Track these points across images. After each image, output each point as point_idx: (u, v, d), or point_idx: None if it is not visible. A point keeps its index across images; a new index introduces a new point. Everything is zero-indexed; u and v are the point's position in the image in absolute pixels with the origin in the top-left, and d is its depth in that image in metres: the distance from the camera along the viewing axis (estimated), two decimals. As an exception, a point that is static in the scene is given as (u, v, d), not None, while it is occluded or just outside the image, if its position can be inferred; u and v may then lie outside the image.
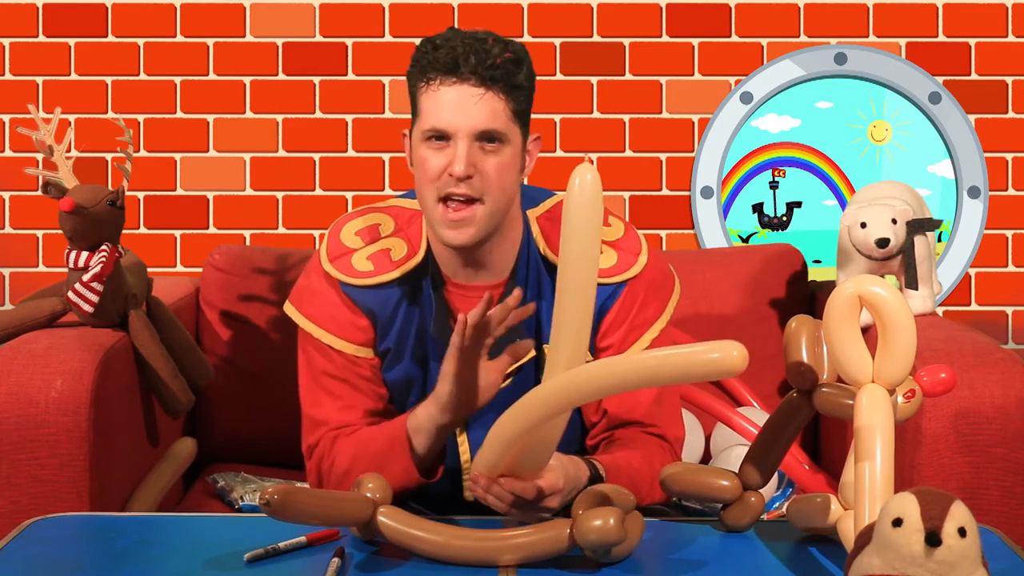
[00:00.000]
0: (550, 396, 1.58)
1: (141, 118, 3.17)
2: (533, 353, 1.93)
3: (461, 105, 1.83)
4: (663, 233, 3.18)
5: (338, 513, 1.61)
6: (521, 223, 1.97)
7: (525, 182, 2.02)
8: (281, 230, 3.19)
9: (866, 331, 1.65)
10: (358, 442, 1.93)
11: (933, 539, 1.30)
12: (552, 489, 1.74)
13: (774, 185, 3.19)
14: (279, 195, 3.19)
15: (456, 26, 3.06)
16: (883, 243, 2.40)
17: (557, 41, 3.15)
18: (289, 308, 2.04)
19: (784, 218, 3.19)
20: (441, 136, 1.85)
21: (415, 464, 1.86)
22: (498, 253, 1.94)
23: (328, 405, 1.98)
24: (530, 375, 1.95)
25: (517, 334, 1.92)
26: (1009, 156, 3.20)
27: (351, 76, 3.17)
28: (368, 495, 1.63)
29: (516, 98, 1.86)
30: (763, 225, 3.19)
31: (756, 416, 2.57)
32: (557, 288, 1.59)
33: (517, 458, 1.70)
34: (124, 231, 2.25)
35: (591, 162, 1.57)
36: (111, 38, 3.17)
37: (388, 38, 3.17)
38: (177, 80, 3.17)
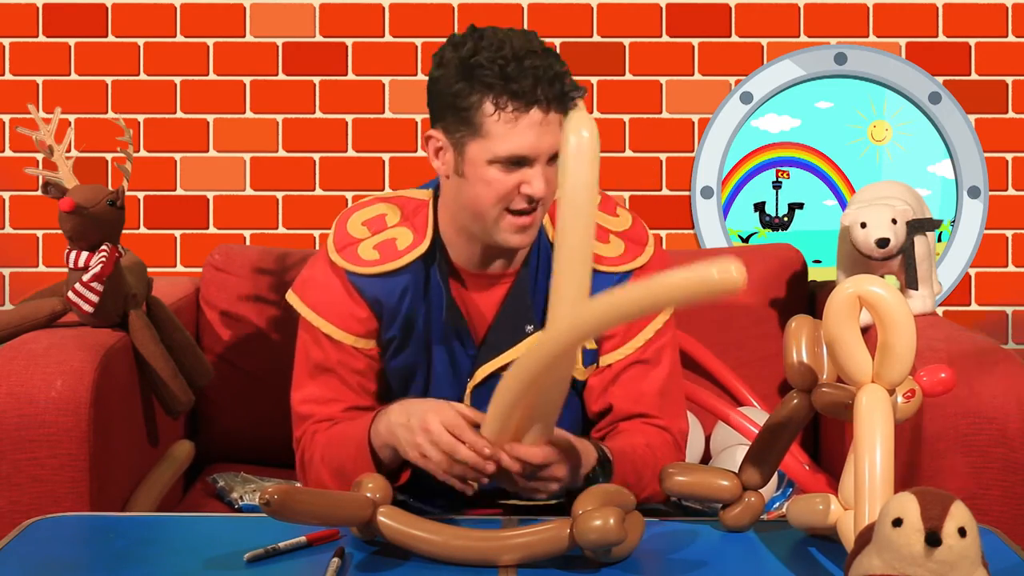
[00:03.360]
0: (556, 336, 1.60)
1: (141, 118, 3.17)
2: None
3: (541, 133, 1.84)
4: (663, 233, 3.18)
5: (338, 513, 1.61)
6: None
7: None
8: (281, 230, 3.19)
9: (866, 331, 1.65)
10: (329, 444, 1.96)
11: (933, 539, 1.30)
12: (558, 457, 1.76)
13: (777, 185, 3.19)
14: (279, 195, 3.18)
15: (456, 26, 3.07)
16: (883, 243, 2.40)
17: (557, 41, 3.15)
18: (291, 296, 2.05)
19: (785, 219, 3.19)
20: (521, 160, 1.85)
21: (381, 474, 1.86)
22: None
23: (314, 398, 2.01)
24: None
25: (526, 319, 1.96)
26: (1009, 156, 3.20)
27: (351, 76, 3.17)
28: (368, 495, 1.63)
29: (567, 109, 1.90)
30: (764, 225, 3.19)
31: (756, 416, 2.57)
32: (557, 230, 1.64)
33: (522, 425, 1.72)
34: (124, 231, 2.25)
35: (584, 103, 1.67)
36: (111, 38, 3.17)
37: (388, 38, 3.17)
38: (177, 80, 3.17)
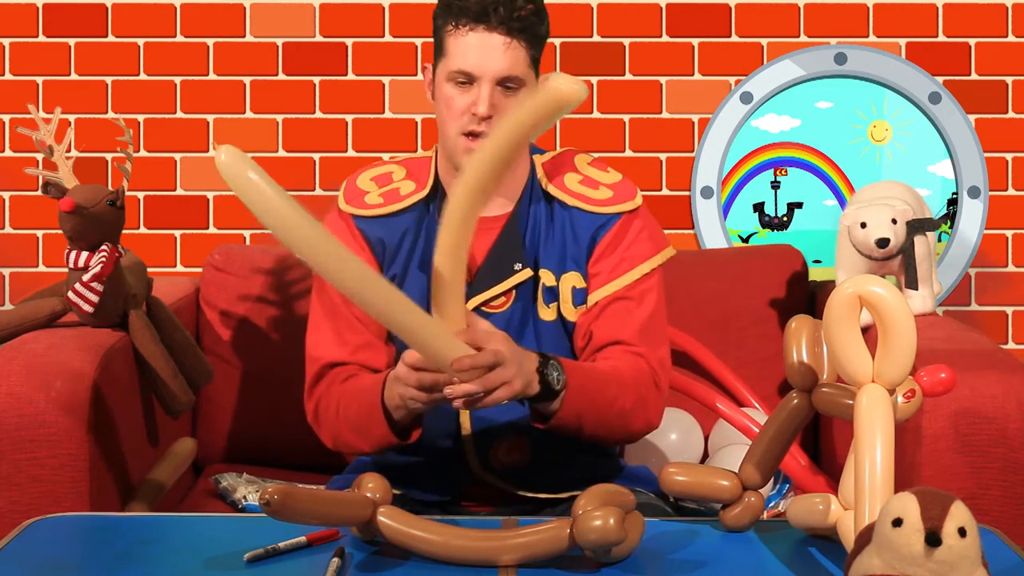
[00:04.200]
0: (456, 202, 1.78)
1: (141, 118, 3.17)
2: (530, 273, 2.07)
3: (487, 52, 1.98)
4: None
5: (338, 513, 1.61)
6: (528, 163, 2.12)
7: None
8: (281, 230, 3.18)
9: (866, 331, 1.65)
10: (343, 398, 2.04)
11: (933, 539, 1.30)
12: (497, 357, 1.79)
13: (776, 185, 3.19)
14: (279, 195, 3.18)
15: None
16: (883, 243, 2.40)
17: (557, 41, 3.15)
18: None
19: (785, 218, 3.19)
20: (466, 77, 1.99)
21: (392, 432, 1.97)
22: (507, 185, 2.09)
23: (323, 340, 2.10)
24: (528, 297, 2.07)
25: (515, 258, 2.06)
26: (1009, 156, 3.20)
27: (351, 76, 3.17)
28: (368, 495, 1.63)
29: (536, 46, 2.03)
30: (763, 225, 3.19)
31: (758, 418, 2.57)
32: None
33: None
34: (124, 231, 2.25)
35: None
36: (111, 38, 3.16)
37: (388, 38, 3.17)
38: (177, 80, 3.17)
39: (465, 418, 2.05)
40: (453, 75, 2.00)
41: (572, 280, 2.08)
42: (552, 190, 2.10)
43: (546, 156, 2.15)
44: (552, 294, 2.07)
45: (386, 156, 3.17)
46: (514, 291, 2.06)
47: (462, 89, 2.00)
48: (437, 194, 2.11)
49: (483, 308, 2.04)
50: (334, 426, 2.06)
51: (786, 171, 3.19)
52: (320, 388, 2.08)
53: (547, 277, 2.08)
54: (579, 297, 2.08)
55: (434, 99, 2.07)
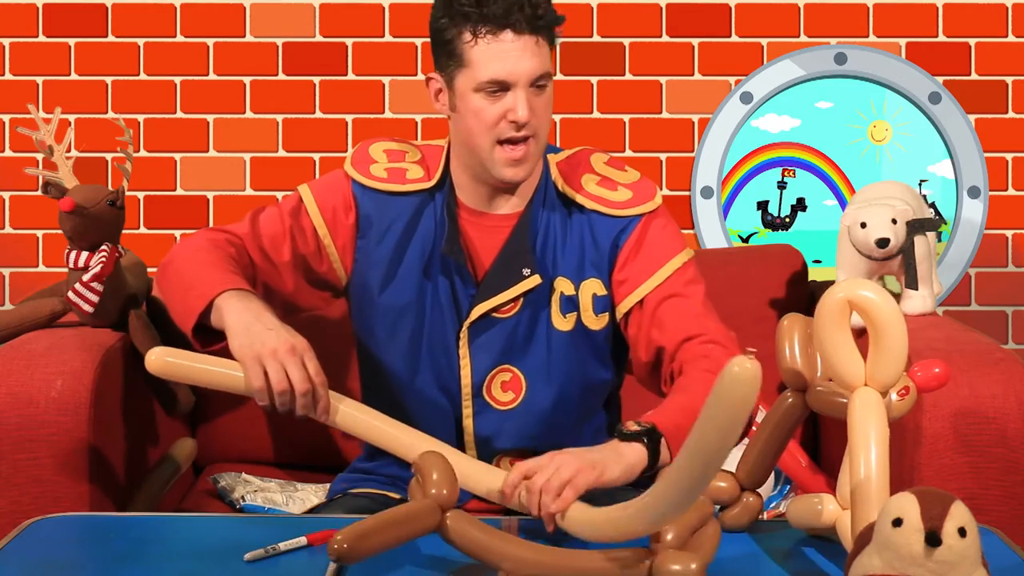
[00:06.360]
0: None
1: (141, 118, 3.17)
2: (539, 280, 2.00)
3: (518, 56, 1.90)
4: (663, 233, 3.18)
5: (408, 533, 1.54)
6: (542, 162, 2.06)
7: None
8: (281, 230, 3.18)
9: (862, 334, 1.65)
10: (201, 251, 1.97)
11: (933, 539, 1.30)
12: (520, 470, 1.75)
13: (782, 185, 3.19)
14: (279, 195, 3.18)
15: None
16: (883, 243, 2.40)
17: (557, 41, 3.15)
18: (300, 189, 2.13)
19: (787, 219, 3.19)
20: (499, 86, 1.92)
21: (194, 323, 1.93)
22: (524, 185, 2.02)
23: (235, 229, 2.05)
24: (537, 304, 2.01)
25: (524, 263, 1.99)
26: (1009, 156, 3.20)
27: (351, 76, 3.17)
28: (434, 490, 1.55)
29: (553, 39, 1.98)
30: (766, 224, 3.19)
31: (758, 418, 2.57)
32: None
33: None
34: (124, 231, 2.25)
35: None
36: (111, 38, 3.17)
37: (388, 38, 3.17)
38: (177, 80, 3.17)
39: (468, 432, 2.02)
40: (483, 85, 1.91)
41: (592, 287, 2.02)
42: (569, 192, 2.03)
43: (560, 156, 2.09)
44: (571, 304, 2.02)
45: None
46: (521, 297, 2.00)
47: (493, 98, 1.92)
48: (444, 187, 2.04)
49: (492, 315, 2.00)
50: (179, 256, 1.99)
51: (794, 172, 3.18)
52: (205, 233, 2.03)
53: (565, 286, 2.01)
54: (600, 305, 2.02)
55: (454, 111, 1.98)
